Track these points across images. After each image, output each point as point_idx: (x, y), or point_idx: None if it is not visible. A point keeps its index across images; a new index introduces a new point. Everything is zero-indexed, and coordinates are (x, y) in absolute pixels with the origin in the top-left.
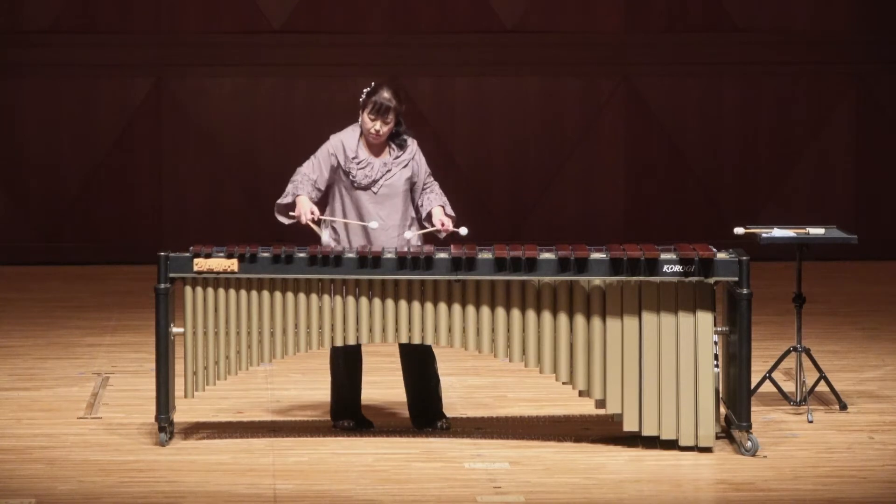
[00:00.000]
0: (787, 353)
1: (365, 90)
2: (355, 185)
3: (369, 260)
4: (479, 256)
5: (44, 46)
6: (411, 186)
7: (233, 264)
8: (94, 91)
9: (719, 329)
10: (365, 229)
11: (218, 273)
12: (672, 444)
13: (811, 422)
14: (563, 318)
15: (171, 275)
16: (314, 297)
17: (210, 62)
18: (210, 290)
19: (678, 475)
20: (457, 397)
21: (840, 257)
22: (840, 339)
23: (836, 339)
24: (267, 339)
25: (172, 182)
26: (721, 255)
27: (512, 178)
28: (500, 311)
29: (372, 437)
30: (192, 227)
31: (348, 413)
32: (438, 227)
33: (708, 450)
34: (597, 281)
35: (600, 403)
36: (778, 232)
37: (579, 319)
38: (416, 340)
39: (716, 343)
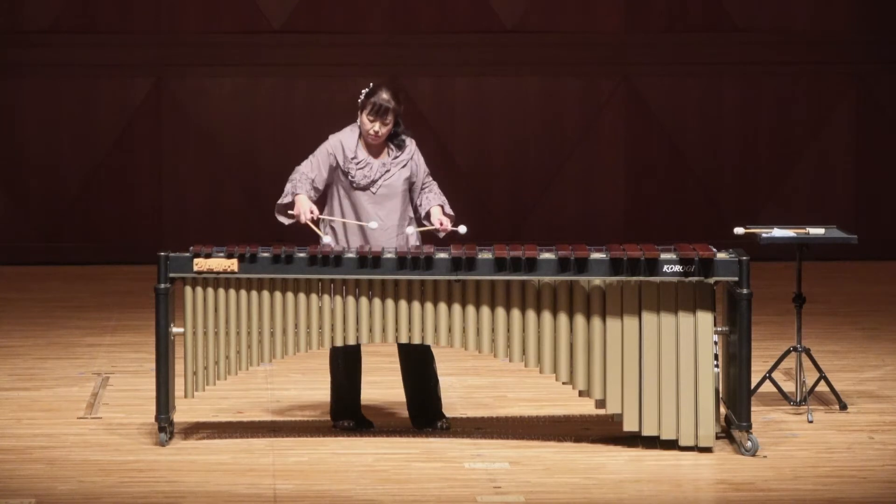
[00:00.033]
0: (787, 353)
1: (363, 91)
2: (354, 185)
3: (369, 260)
4: (479, 256)
5: (44, 46)
6: (410, 186)
7: (233, 264)
8: (94, 91)
9: (719, 329)
10: (362, 229)
11: (218, 273)
12: (672, 444)
13: (811, 422)
14: (563, 318)
15: (171, 275)
16: (314, 297)
17: (210, 62)
18: (210, 290)
19: (678, 475)
20: (457, 397)
21: (840, 257)
22: (840, 339)
23: (836, 339)
24: (267, 339)
25: (172, 182)
26: (721, 255)
27: (512, 178)
28: (500, 311)
29: (372, 437)
30: (192, 227)
31: (348, 413)
32: (437, 226)
33: (708, 450)
34: (597, 281)
35: (600, 403)
36: (778, 232)
37: (579, 319)
38: (417, 340)
39: (716, 343)
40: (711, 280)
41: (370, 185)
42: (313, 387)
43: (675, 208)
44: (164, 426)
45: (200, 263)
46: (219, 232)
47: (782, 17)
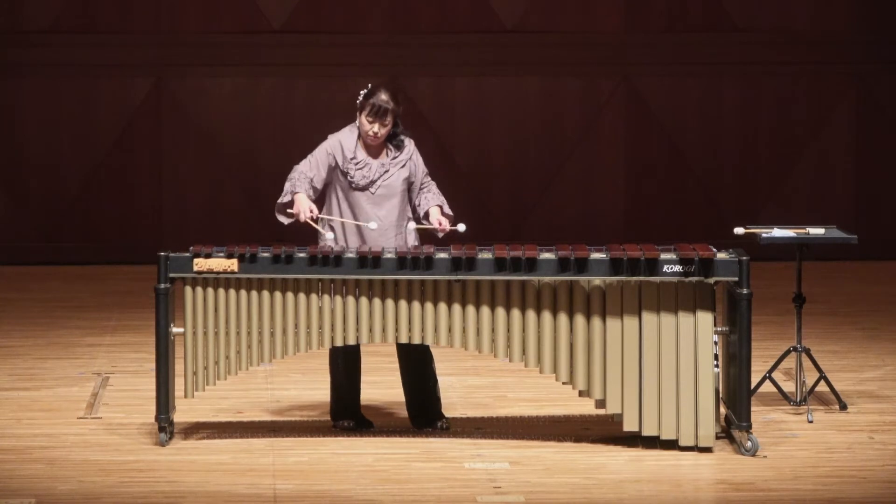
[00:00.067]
0: (787, 353)
1: (362, 92)
2: (353, 185)
3: (369, 260)
4: (479, 256)
5: (44, 46)
6: (409, 186)
7: (233, 264)
8: (94, 91)
9: (719, 329)
10: (360, 229)
11: (218, 273)
12: (672, 444)
13: (811, 422)
14: (563, 318)
15: (171, 275)
16: (314, 297)
17: (210, 62)
18: (210, 290)
19: (678, 475)
20: (457, 397)
21: (840, 257)
22: (840, 339)
23: (836, 339)
24: (267, 339)
25: (172, 182)
26: (721, 255)
27: (512, 178)
28: (500, 311)
29: (372, 437)
30: (192, 227)
31: (348, 413)
32: (436, 225)
33: (708, 450)
34: (597, 281)
35: (600, 403)
36: (778, 232)
37: (579, 319)
38: (417, 340)
39: (716, 343)
40: (711, 280)
41: (369, 185)
42: (313, 387)
43: (675, 208)
44: (164, 426)
45: (200, 263)
46: (219, 232)
47: (782, 17)
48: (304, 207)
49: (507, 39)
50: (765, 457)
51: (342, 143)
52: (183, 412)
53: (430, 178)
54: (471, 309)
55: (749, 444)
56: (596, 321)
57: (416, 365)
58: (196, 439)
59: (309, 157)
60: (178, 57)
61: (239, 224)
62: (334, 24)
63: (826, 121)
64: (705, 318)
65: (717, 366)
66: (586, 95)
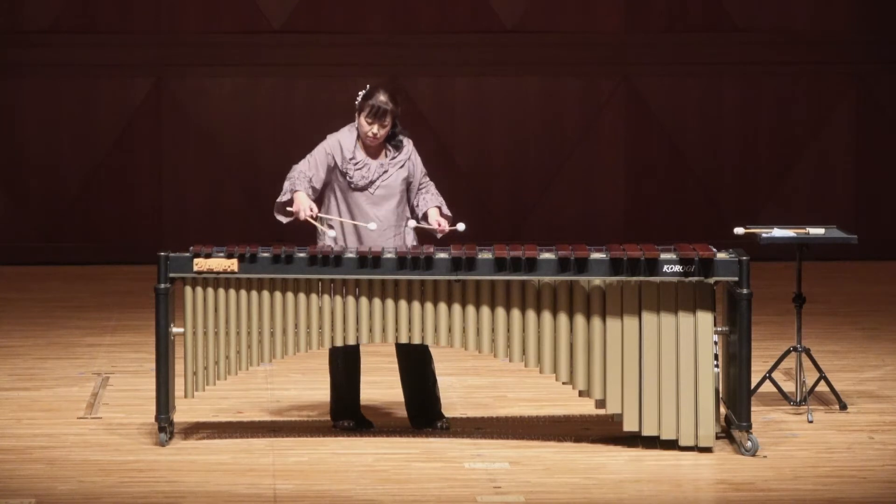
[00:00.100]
0: (787, 353)
1: (360, 93)
2: (352, 185)
3: (369, 260)
4: (479, 256)
5: (44, 46)
6: (407, 187)
7: (233, 264)
8: (94, 91)
9: (719, 329)
10: (358, 230)
11: (218, 273)
12: (672, 444)
13: (811, 422)
14: (563, 318)
15: (171, 275)
16: (314, 297)
17: (210, 62)
18: (210, 290)
19: (678, 475)
20: (457, 397)
21: (840, 257)
22: (840, 339)
23: (836, 339)
24: (267, 339)
25: (172, 182)
26: (721, 255)
27: (512, 178)
28: (500, 311)
29: (372, 437)
30: (192, 227)
31: (348, 413)
32: (436, 226)
33: (708, 450)
34: (597, 281)
35: (600, 403)
36: (778, 232)
37: (579, 319)
38: (417, 340)
39: (716, 343)
40: (711, 280)
41: (368, 185)
42: (313, 387)
43: (675, 208)
44: (164, 426)
45: (200, 263)
46: (219, 232)
47: (782, 17)
48: (305, 205)
49: (507, 39)
50: (765, 457)
51: (341, 143)
52: (183, 412)
53: (428, 179)
54: (471, 309)
55: (749, 444)
56: (596, 321)
57: (416, 365)
58: (196, 439)
59: (308, 156)
60: (178, 57)
61: (239, 224)
62: (334, 24)
63: (826, 121)
64: (705, 318)
65: (717, 366)
66: (586, 95)
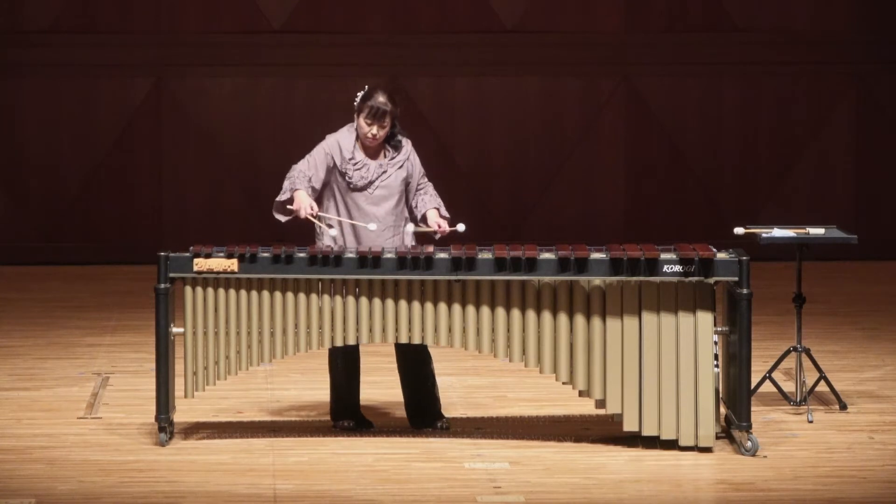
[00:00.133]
0: (787, 353)
1: (359, 94)
2: (351, 186)
3: (369, 260)
4: (479, 256)
5: (44, 46)
6: (406, 187)
7: (233, 264)
8: (94, 91)
9: (719, 329)
10: (356, 230)
11: (218, 273)
12: (672, 444)
13: (811, 422)
14: (563, 318)
15: (171, 275)
16: (314, 297)
17: (210, 62)
18: (210, 290)
19: (678, 475)
20: (457, 397)
21: (840, 257)
22: (840, 339)
23: (836, 339)
24: (267, 339)
25: (172, 182)
26: (721, 255)
27: (512, 178)
28: (500, 311)
29: (372, 437)
30: (192, 227)
31: (348, 413)
32: (436, 228)
33: (708, 450)
34: (597, 281)
35: (600, 403)
36: (778, 232)
37: (579, 319)
38: (417, 340)
39: (716, 343)
40: (711, 280)
41: (367, 185)
42: (313, 387)
43: (675, 208)
44: (164, 426)
45: (200, 263)
46: (219, 232)
47: (782, 17)
48: (305, 204)
49: (507, 39)
50: (765, 457)
51: (340, 143)
52: (183, 412)
53: (426, 180)
54: (471, 309)
55: (749, 444)
56: (596, 321)
57: (414, 365)
58: (196, 439)
59: (307, 156)
60: (178, 57)
61: (239, 224)
62: (334, 24)
63: (826, 121)
64: (705, 318)
65: (717, 366)
66: (586, 95)
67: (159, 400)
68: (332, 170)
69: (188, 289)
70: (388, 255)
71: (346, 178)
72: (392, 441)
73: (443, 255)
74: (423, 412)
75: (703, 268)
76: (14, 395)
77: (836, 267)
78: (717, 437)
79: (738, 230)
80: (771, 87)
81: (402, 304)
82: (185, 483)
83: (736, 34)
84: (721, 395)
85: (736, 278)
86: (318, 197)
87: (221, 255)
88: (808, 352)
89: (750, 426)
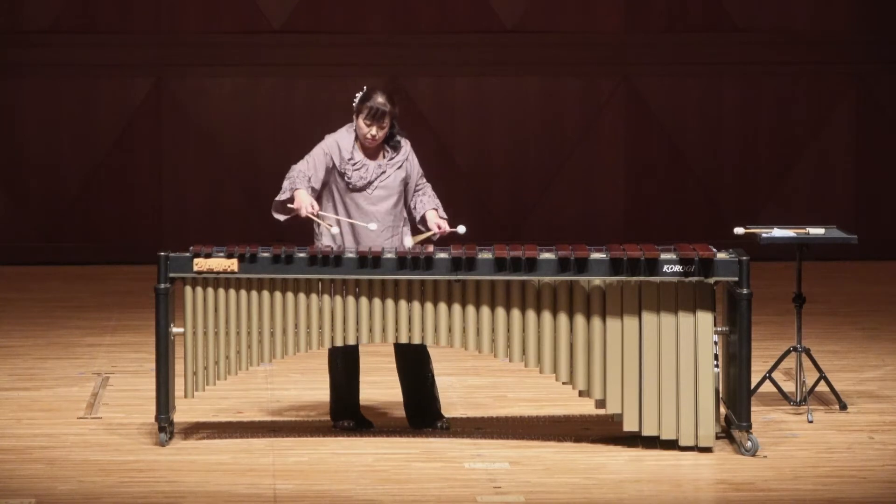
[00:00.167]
0: (787, 353)
1: (357, 95)
2: (350, 186)
3: (369, 260)
4: (479, 256)
5: (44, 46)
6: (405, 187)
7: (233, 264)
8: (94, 91)
9: (719, 329)
10: (354, 230)
11: (218, 273)
12: (672, 444)
13: (811, 422)
14: (563, 318)
15: (171, 275)
16: (314, 297)
17: (210, 62)
18: (210, 290)
19: (678, 475)
20: (457, 397)
21: (840, 257)
22: (840, 339)
23: (836, 339)
24: (267, 339)
25: (172, 182)
26: (721, 255)
27: (512, 178)
28: (500, 311)
29: (372, 437)
30: (192, 227)
31: (348, 413)
32: (435, 230)
33: (708, 450)
34: (597, 281)
35: (600, 403)
36: (778, 232)
37: (579, 319)
38: (416, 340)
39: (716, 343)
40: (711, 280)
41: (366, 186)
42: (313, 387)
43: (675, 208)
44: (164, 426)
45: (200, 263)
46: (219, 232)
47: (782, 17)
48: (306, 202)
49: (507, 39)
50: (765, 457)
51: (339, 143)
52: (183, 412)
53: (425, 180)
54: (471, 309)
55: (749, 444)
56: (596, 321)
57: (413, 366)
58: (196, 439)
59: (306, 157)
60: (178, 57)
61: (239, 224)
62: (334, 24)
63: (826, 121)
64: (705, 318)
65: (717, 366)
66: (586, 95)
67: (159, 400)
68: (332, 170)
69: (188, 289)
70: (388, 255)
71: (346, 178)
72: (392, 441)
73: (443, 255)
74: (422, 412)
75: (703, 268)
76: (14, 395)
77: (836, 267)
78: (717, 437)
79: (738, 230)
80: (771, 87)
81: (402, 304)
82: (185, 483)
83: (736, 34)
84: (721, 395)
85: (736, 278)
86: (318, 197)
87: (221, 255)
88: (808, 352)
89: (750, 426)
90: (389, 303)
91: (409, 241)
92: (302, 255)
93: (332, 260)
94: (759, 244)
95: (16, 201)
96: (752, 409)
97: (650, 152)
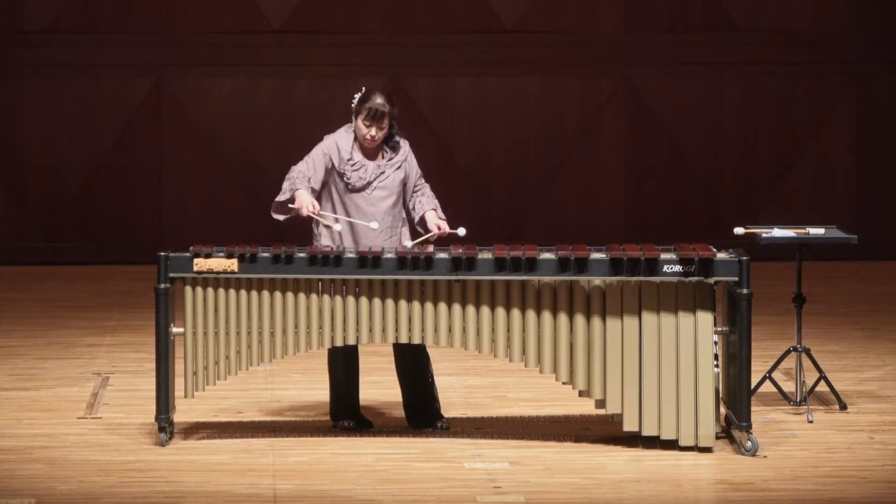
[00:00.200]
0: (787, 353)
1: (356, 96)
2: (349, 187)
3: (369, 260)
4: (479, 256)
5: (44, 46)
6: (403, 188)
7: (233, 264)
8: (94, 91)
9: (719, 329)
10: (353, 231)
11: (218, 273)
12: (672, 444)
13: (811, 422)
14: (563, 318)
15: (171, 275)
16: (314, 297)
17: (210, 62)
18: (210, 290)
19: (678, 475)
20: (457, 397)
21: (840, 257)
22: (840, 339)
23: (836, 339)
24: (267, 339)
25: (172, 182)
26: (721, 255)
27: (512, 178)
28: (500, 311)
29: (372, 437)
30: (192, 227)
31: (348, 413)
32: (435, 231)
33: (708, 450)
34: (597, 281)
35: (600, 403)
36: (778, 232)
37: (579, 319)
38: (417, 340)
39: (716, 343)
40: (711, 280)
41: (365, 186)
42: (313, 387)
43: (675, 208)
44: (164, 426)
45: (200, 263)
46: (219, 232)
47: (782, 17)
48: (307, 202)
49: (507, 39)
50: (765, 457)
51: (338, 144)
52: (183, 412)
53: (423, 181)
54: (471, 309)
55: (749, 444)
56: (596, 321)
57: (412, 366)
58: (196, 439)
59: (305, 158)
60: (178, 57)
61: (239, 224)
62: (334, 24)
63: (826, 121)
64: (705, 318)
65: (717, 366)
66: (586, 95)
67: (159, 400)
68: (331, 171)
69: (188, 289)
70: (388, 255)
71: (345, 178)
72: (392, 441)
73: (443, 255)
74: (422, 413)
75: (703, 268)
76: (14, 395)
77: (836, 267)
78: (717, 437)
79: (738, 230)
80: (771, 87)
81: (402, 304)
82: (185, 483)
83: (736, 34)
84: (721, 395)
85: (736, 278)
86: (317, 198)
87: (221, 255)
88: (808, 352)
89: (750, 426)
90: (389, 303)
91: (409, 244)
92: (302, 255)
93: (332, 260)
94: (759, 244)
95: (16, 201)
96: (752, 409)
97: (650, 152)
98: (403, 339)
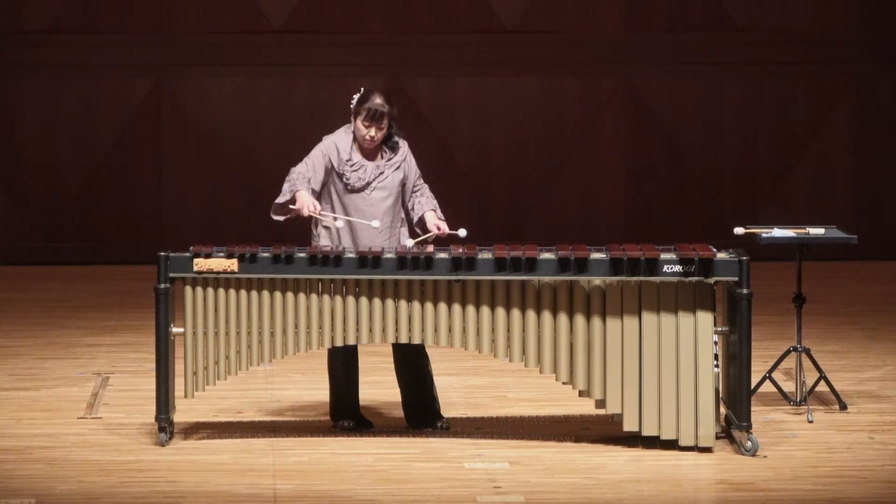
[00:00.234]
0: (787, 353)
1: (355, 96)
2: (348, 187)
3: (369, 260)
4: (479, 256)
5: (44, 46)
6: (402, 188)
7: (233, 264)
8: (94, 91)
9: (719, 329)
10: (353, 231)
11: (218, 273)
12: (672, 444)
13: (811, 422)
14: (563, 318)
15: (171, 275)
16: (314, 297)
17: (210, 62)
18: (210, 290)
19: (678, 475)
20: (457, 397)
21: (840, 257)
22: (840, 339)
23: (836, 339)
24: (267, 339)
25: (172, 182)
26: (721, 255)
27: (512, 178)
28: (500, 311)
29: (372, 437)
30: (192, 227)
31: (348, 413)
32: (435, 231)
33: (708, 450)
34: (597, 281)
35: (600, 403)
36: (778, 232)
37: (579, 319)
38: (416, 340)
39: (716, 343)
40: (711, 280)
41: (365, 187)
42: (313, 387)
43: (675, 208)
44: (164, 426)
45: (200, 263)
46: (219, 232)
47: (782, 17)
48: (308, 202)
49: (507, 39)
50: (765, 457)
51: (337, 145)
52: (183, 412)
53: (422, 181)
54: (471, 309)
55: (749, 444)
56: (596, 321)
57: (412, 366)
58: (196, 439)
59: (305, 159)
60: (178, 57)
61: (239, 224)
62: (334, 24)
63: (826, 121)
64: (705, 318)
65: (717, 366)
66: (586, 95)
67: (159, 400)
68: (331, 171)
69: (188, 289)
70: (388, 255)
71: (344, 179)
72: (392, 441)
73: (443, 255)
74: (422, 413)
75: (703, 268)
76: (14, 395)
77: (836, 267)
78: (717, 437)
79: (738, 230)
80: (771, 87)
81: (402, 304)
82: (185, 483)
83: (736, 34)
84: (721, 395)
85: (736, 278)
86: (317, 198)
87: (221, 255)
88: (808, 352)
89: (750, 426)
90: (389, 303)
91: (410, 243)
92: (302, 255)
93: (332, 260)
94: (759, 244)
95: (16, 201)
96: (752, 409)
97: (650, 152)
98: (403, 339)
